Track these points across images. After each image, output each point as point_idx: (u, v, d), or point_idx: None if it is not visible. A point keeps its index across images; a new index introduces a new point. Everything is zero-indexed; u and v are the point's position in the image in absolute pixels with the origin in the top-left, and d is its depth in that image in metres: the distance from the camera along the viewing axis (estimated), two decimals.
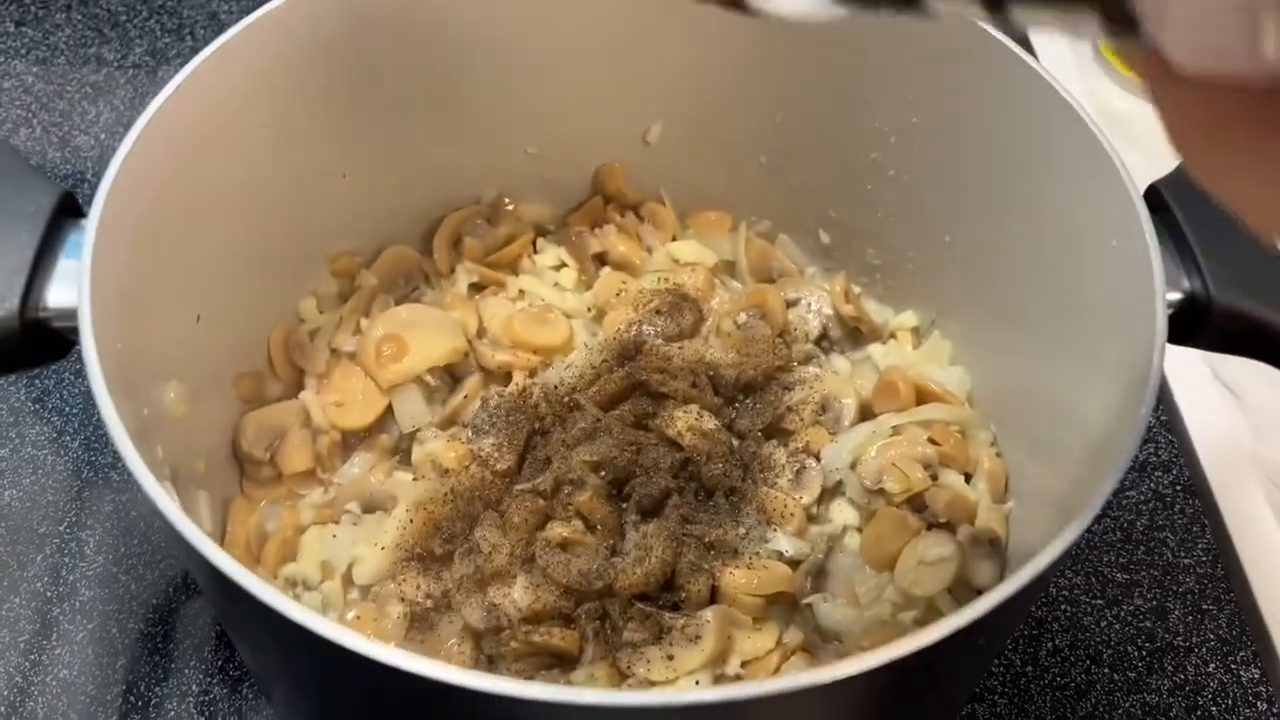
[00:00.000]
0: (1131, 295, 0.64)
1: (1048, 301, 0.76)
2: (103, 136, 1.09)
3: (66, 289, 0.61)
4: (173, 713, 0.76)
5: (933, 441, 0.81)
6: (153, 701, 0.76)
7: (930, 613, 0.76)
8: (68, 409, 0.91)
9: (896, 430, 0.82)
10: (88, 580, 0.81)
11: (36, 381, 0.91)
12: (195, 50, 0.69)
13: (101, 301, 0.58)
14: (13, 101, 1.13)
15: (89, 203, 0.61)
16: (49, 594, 0.81)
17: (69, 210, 0.64)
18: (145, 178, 0.65)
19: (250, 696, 0.77)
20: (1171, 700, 0.79)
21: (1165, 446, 0.92)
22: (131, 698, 0.76)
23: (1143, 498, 0.89)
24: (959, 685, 0.74)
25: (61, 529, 0.84)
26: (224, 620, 0.72)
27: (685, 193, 0.96)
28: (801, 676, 0.47)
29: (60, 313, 0.61)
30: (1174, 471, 0.90)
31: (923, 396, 0.84)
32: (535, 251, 0.96)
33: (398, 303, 0.89)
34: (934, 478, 0.79)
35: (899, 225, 0.88)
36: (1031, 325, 0.79)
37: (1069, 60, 1.26)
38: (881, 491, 0.79)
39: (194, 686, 0.77)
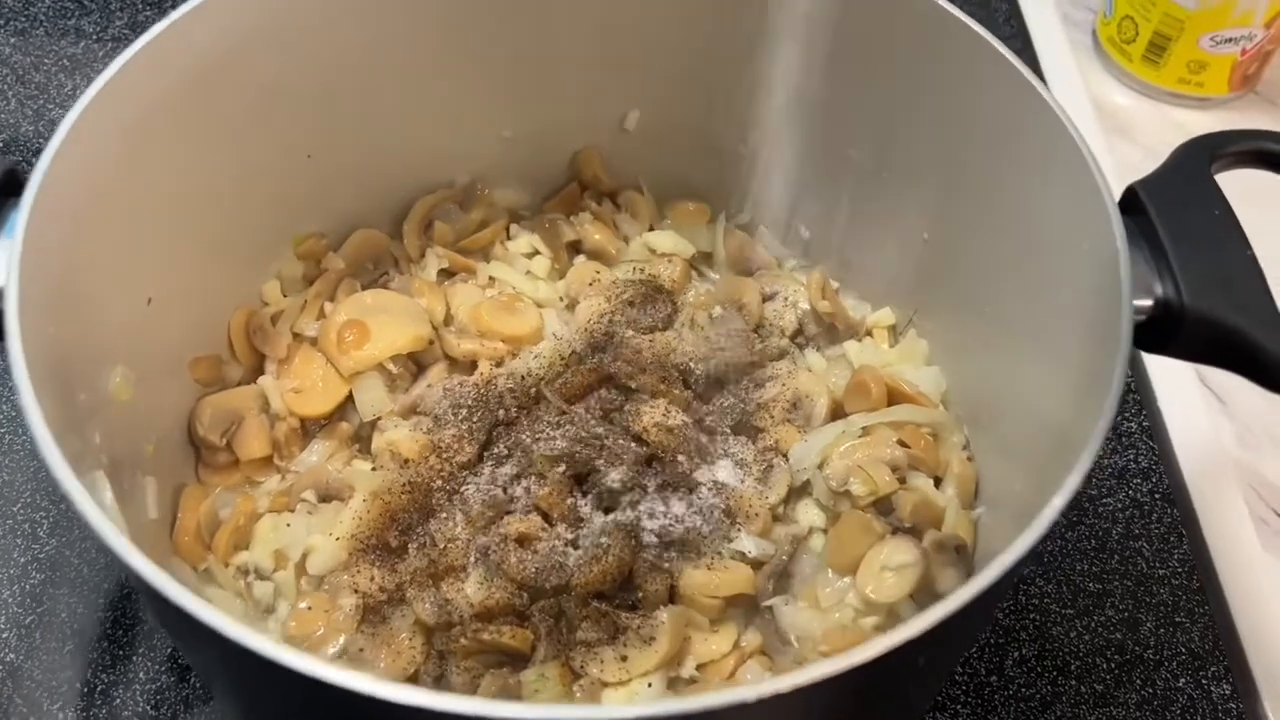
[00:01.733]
0: (1100, 300, 0.62)
1: (1020, 303, 0.74)
2: None
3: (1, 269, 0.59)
4: (119, 700, 0.75)
5: (903, 444, 0.79)
6: (99, 688, 0.75)
7: (892, 619, 0.74)
8: None
9: (866, 431, 0.80)
10: (39, 563, 0.80)
11: None
12: None
13: (34, 283, 0.57)
14: None
15: None
16: (0, 575, 0.80)
17: (12, 188, 0.62)
18: (90, 154, 0.63)
19: (199, 686, 0.75)
20: (1139, 714, 0.77)
21: (1145, 453, 0.90)
22: (78, 684, 0.75)
23: (1120, 505, 0.87)
24: (919, 693, 0.72)
25: (16, 510, 0.83)
26: (155, 618, 0.71)
27: (663, 181, 0.94)
28: (758, 687, 0.46)
29: None
30: (1153, 479, 0.88)
31: (895, 397, 0.82)
32: (508, 238, 0.94)
33: (365, 288, 0.88)
34: (902, 481, 0.78)
35: (877, 222, 0.86)
36: (1005, 326, 0.77)
37: (1067, 53, 1.23)
38: (848, 493, 0.77)
39: (142, 675, 0.76)
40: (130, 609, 0.79)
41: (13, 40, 1.14)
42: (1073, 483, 0.53)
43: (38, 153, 0.60)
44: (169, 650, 0.77)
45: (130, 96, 0.65)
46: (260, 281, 0.85)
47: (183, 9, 0.68)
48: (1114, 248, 0.61)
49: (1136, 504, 0.87)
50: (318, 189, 0.85)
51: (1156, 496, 0.87)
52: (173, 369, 0.78)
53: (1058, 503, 0.52)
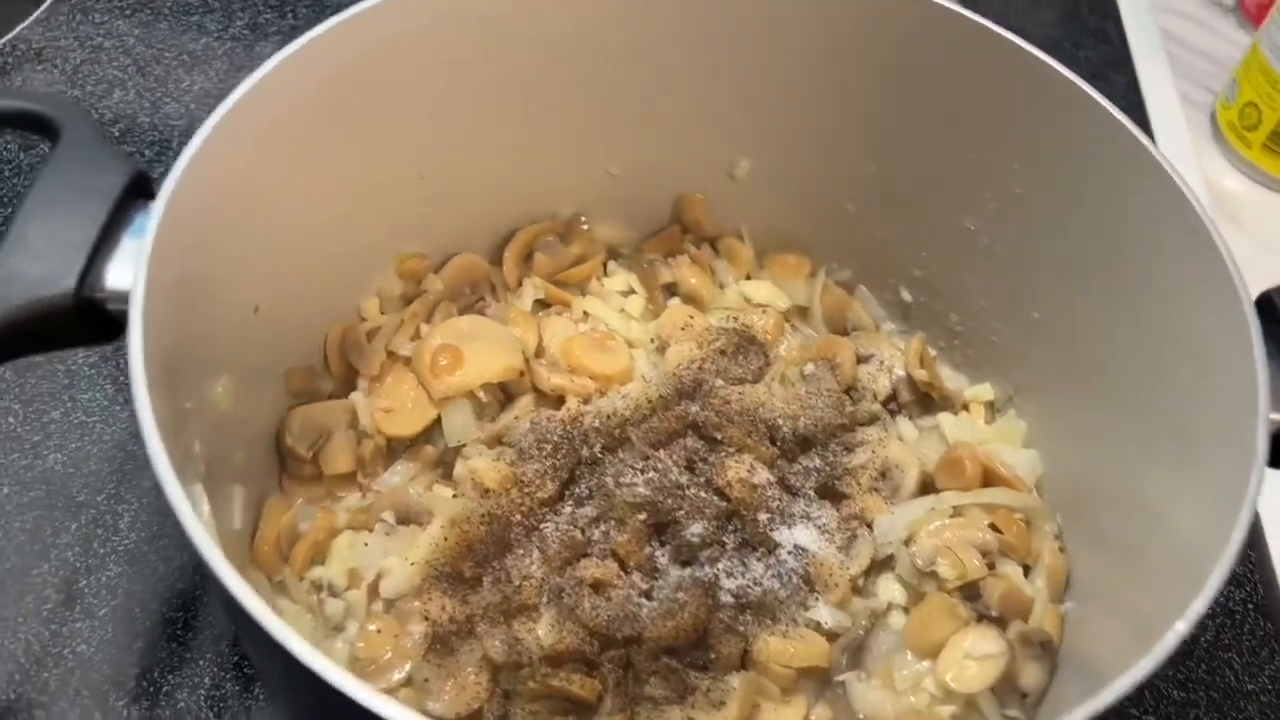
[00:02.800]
0: (1232, 408, 0.60)
1: (1137, 396, 0.72)
2: (193, 106, 1.09)
3: (126, 271, 0.59)
4: (182, 703, 0.75)
5: (994, 528, 0.77)
6: (164, 689, 0.75)
7: (969, 710, 0.72)
8: (122, 378, 0.90)
9: (957, 510, 0.78)
10: (117, 556, 0.81)
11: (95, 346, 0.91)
12: (295, 28, 0.68)
13: (158, 287, 0.57)
14: (111, 61, 1.13)
15: (164, 176, 0.60)
16: (78, 564, 0.80)
17: (139, 190, 0.62)
18: (219, 164, 0.64)
19: (262, 698, 0.75)
20: None
21: (1241, 559, 0.86)
22: (144, 682, 0.76)
23: (1210, 611, 0.83)
24: None
25: (99, 500, 0.84)
26: (234, 624, 0.71)
27: (765, 232, 0.93)
28: None
29: (117, 295, 0.59)
30: (1247, 587, 0.85)
31: (989, 478, 0.79)
32: (605, 274, 0.93)
33: (461, 312, 0.88)
34: (991, 566, 0.76)
35: (985, 294, 0.84)
36: (1116, 418, 0.74)
37: (1183, 134, 1.21)
38: (934, 574, 0.75)
39: (206, 679, 0.76)
40: (200, 611, 0.79)
41: (136, 31, 1.17)
42: (1199, 607, 0.51)
43: (151, 144, 0.60)
44: (236, 659, 0.77)
45: (264, 108, 0.66)
46: (360, 297, 0.85)
47: (331, 21, 0.69)
48: (1249, 356, 0.59)
49: (1228, 612, 0.84)
50: (425, 210, 0.85)
51: (1250, 607, 0.84)
52: (268, 378, 0.78)
53: (1181, 628, 0.50)
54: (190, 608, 0.79)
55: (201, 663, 0.77)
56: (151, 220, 0.58)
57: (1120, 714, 0.78)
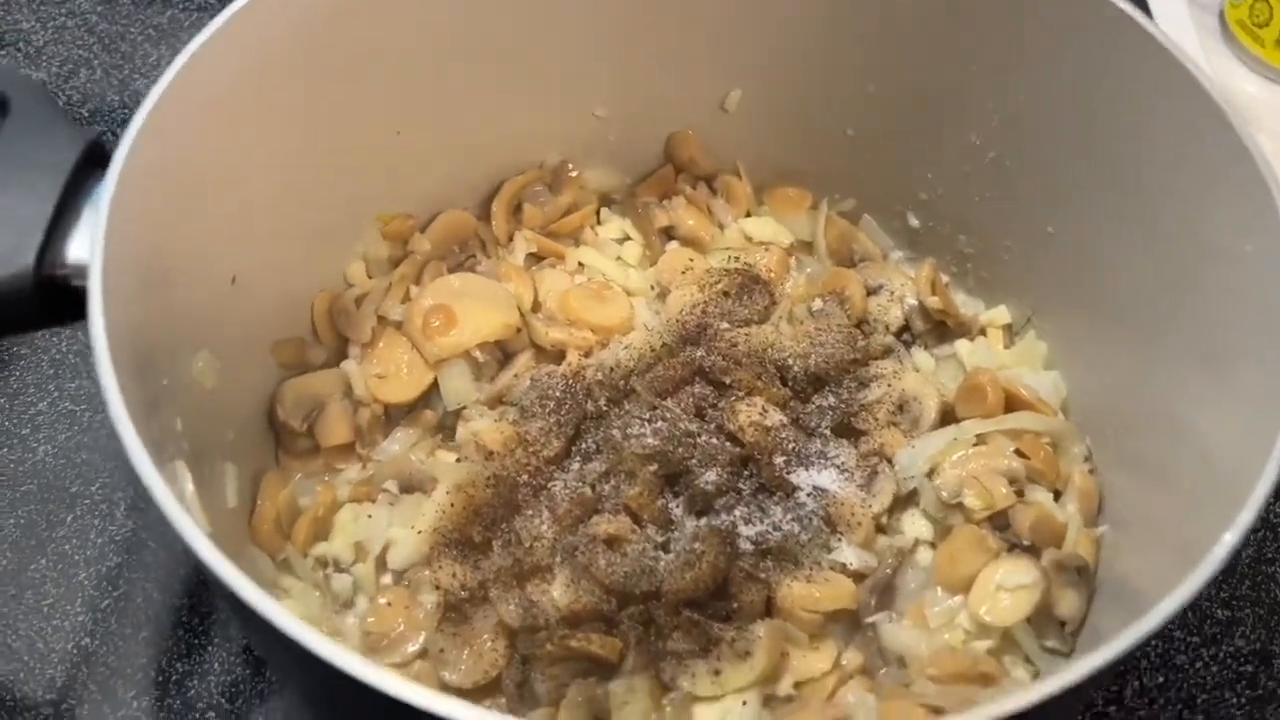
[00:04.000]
0: (1267, 311, 0.56)
1: (1164, 308, 0.69)
2: None
3: (88, 244, 0.56)
4: (193, 690, 0.73)
5: (1020, 454, 0.74)
6: (173, 678, 0.73)
7: (1006, 643, 0.69)
8: None
9: (981, 439, 0.75)
10: (116, 545, 0.78)
11: (79, 334, 0.88)
12: None
13: (119, 259, 0.54)
14: (75, 41, 1.10)
15: None
16: (76, 557, 0.78)
17: (96, 160, 0.59)
18: (178, 126, 0.60)
19: (273, 680, 0.73)
20: None
21: None
22: (153, 672, 0.74)
23: (1252, 525, 0.80)
24: None
25: (93, 490, 0.81)
26: (227, 606, 0.69)
27: (763, 165, 0.89)
28: None
29: (80, 269, 0.56)
30: None
31: (1012, 403, 0.76)
32: (598, 222, 0.90)
33: (451, 270, 0.84)
34: (1019, 494, 0.73)
35: (997, 212, 0.80)
36: (1142, 332, 0.71)
37: (1191, 36, 1.15)
38: (960, 506, 0.72)
39: (216, 666, 0.74)
40: (206, 596, 0.77)
41: (99, 8, 1.13)
42: (1246, 518, 0.48)
43: (123, 123, 0.57)
44: (244, 641, 0.75)
45: (219, 67, 0.63)
46: (345, 262, 0.82)
47: None
48: None
49: (1269, 525, 0.80)
50: (405, 167, 0.81)
51: None
52: (255, 351, 0.75)
53: (1230, 539, 0.47)
54: (195, 594, 0.77)
55: (210, 649, 0.75)
56: (104, 190, 0.55)
57: (1164, 637, 0.75)
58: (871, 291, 0.85)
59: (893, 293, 0.85)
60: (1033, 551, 0.70)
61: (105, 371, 0.49)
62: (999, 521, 0.72)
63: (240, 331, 0.72)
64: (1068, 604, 0.69)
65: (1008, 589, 0.68)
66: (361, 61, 0.73)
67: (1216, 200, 0.62)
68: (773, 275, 0.86)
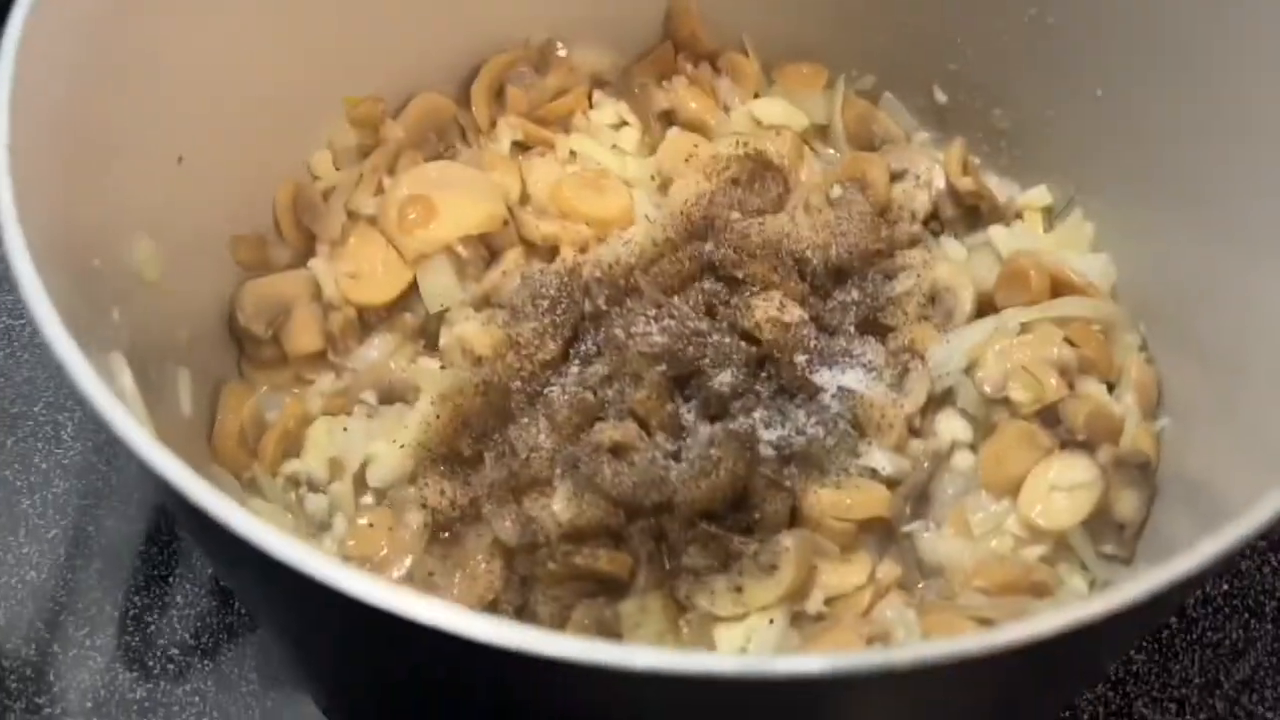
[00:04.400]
0: None
1: (1230, 178, 0.62)
2: None
3: None
4: (155, 626, 0.66)
5: (1070, 343, 0.67)
6: (130, 613, 0.66)
7: (1060, 550, 0.62)
8: None
9: (1025, 328, 0.68)
10: (63, 470, 0.71)
11: None
12: None
13: (32, 128, 0.47)
14: None
15: None
16: (19, 484, 0.71)
17: None
18: None
19: (244, 613, 0.66)
20: None
21: None
22: (108, 606, 0.66)
23: None
24: (1110, 656, 0.60)
25: (36, 410, 0.74)
26: (187, 531, 0.61)
27: (772, 40, 0.81)
28: (931, 646, 0.34)
29: None
30: None
31: (1059, 288, 0.69)
32: (590, 106, 0.82)
33: (428, 161, 0.76)
34: (1070, 386, 0.66)
35: (1036, 79, 0.73)
36: (1203, 205, 0.64)
37: None
38: (1005, 401, 0.66)
39: (179, 598, 0.67)
40: (166, 524, 0.70)
41: None
42: None
43: None
44: (210, 572, 0.67)
45: None
46: (309, 151, 0.74)
47: None
48: None
49: None
50: (373, 44, 0.74)
51: None
52: (210, 247, 0.68)
53: None
54: (153, 520, 0.69)
55: (171, 580, 0.67)
56: (5, 44, 0.46)
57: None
58: (895, 176, 0.78)
59: (919, 177, 0.77)
60: (1087, 447, 0.63)
61: (12, 241, 0.41)
62: (1048, 418, 0.65)
63: (192, 223, 0.64)
64: (1127, 505, 0.62)
65: (1063, 489, 0.62)
66: None
67: None
68: (786, 162, 0.78)
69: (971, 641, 0.34)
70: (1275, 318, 0.58)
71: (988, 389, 0.65)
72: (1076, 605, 0.35)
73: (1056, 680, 0.48)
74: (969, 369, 0.67)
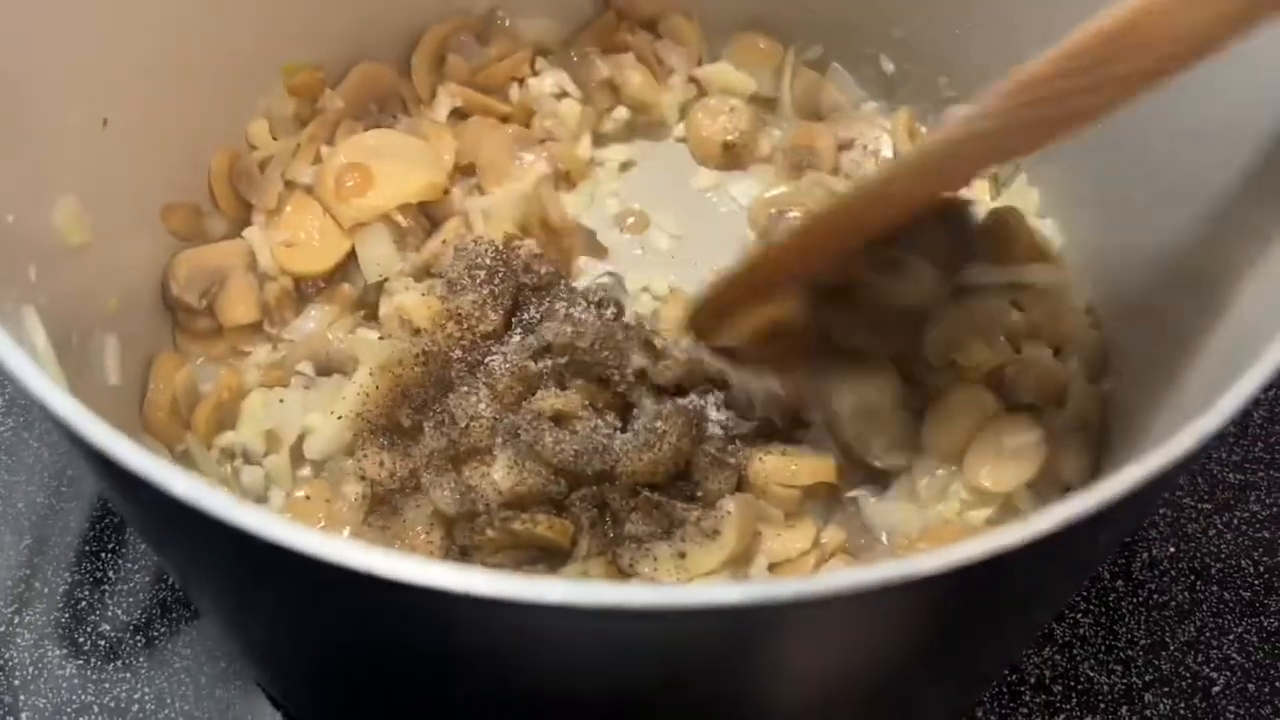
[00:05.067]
0: None
1: (1176, 140, 0.61)
2: None
3: None
4: (86, 603, 0.64)
5: (1016, 306, 0.66)
6: (60, 589, 0.64)
7: (1007, 511, 0.62)
8: None
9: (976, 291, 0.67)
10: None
11: None
12: None
13: None
14: None
15: None
16: None
17: None
18: None
19: (179, 589, 0.64)
20: None
21: None
22: (37, 584, 0.64)
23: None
24: (1041, 604, 0.60)
25: None
26: (111, 498, 0.59)
27: (718, 10, 0.80)
28: (851, 574, 0.33)
29: None
30: None
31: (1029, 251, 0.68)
32: (533, 73, 0.80)
33: (367, 130, 0.74)
34: (1017, 350, 0.65)
35: (982, 43, 0.72)
36: (1150, 171, 0.64)
37: None
38: (952, 365, 0.64)
39: (111, 573, 0.65)
40: (99, 499, 0.67)
41: None
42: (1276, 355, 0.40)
43: None
44: (143, 547, 0.65)
45: None
46: (246, 120, 0.72)
47: None
48: None
49: None
50: (311, 11, 0.72)
51: None
52: (142, 215, 0.66)
53: (1261, 373, 0.39)
54: (85, 495, 0.67)
55: (104, 556, 0.65)
56: None
57: (1173, 505, 0.69)
58: (843, 146, 0.78)
59: (866, 146, 0.77)
60: (1033, 410, 0.63)
61: None
62: (995, 380, 0.64)
63: (122, 189, 0.63)
64: (1072, 467, 0.62)
65: (1009, 452, 0.61)
66: None
67: None
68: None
69: (885, 570, 0.33)
70: (1210, 281, 0.57)
71: (933, 356, 0.65)
72: (988, 536, 0.34)
73: (987, 622, 0.47)
74: None
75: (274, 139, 0.73)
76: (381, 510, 0.62)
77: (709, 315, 0.64)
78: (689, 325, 0.65)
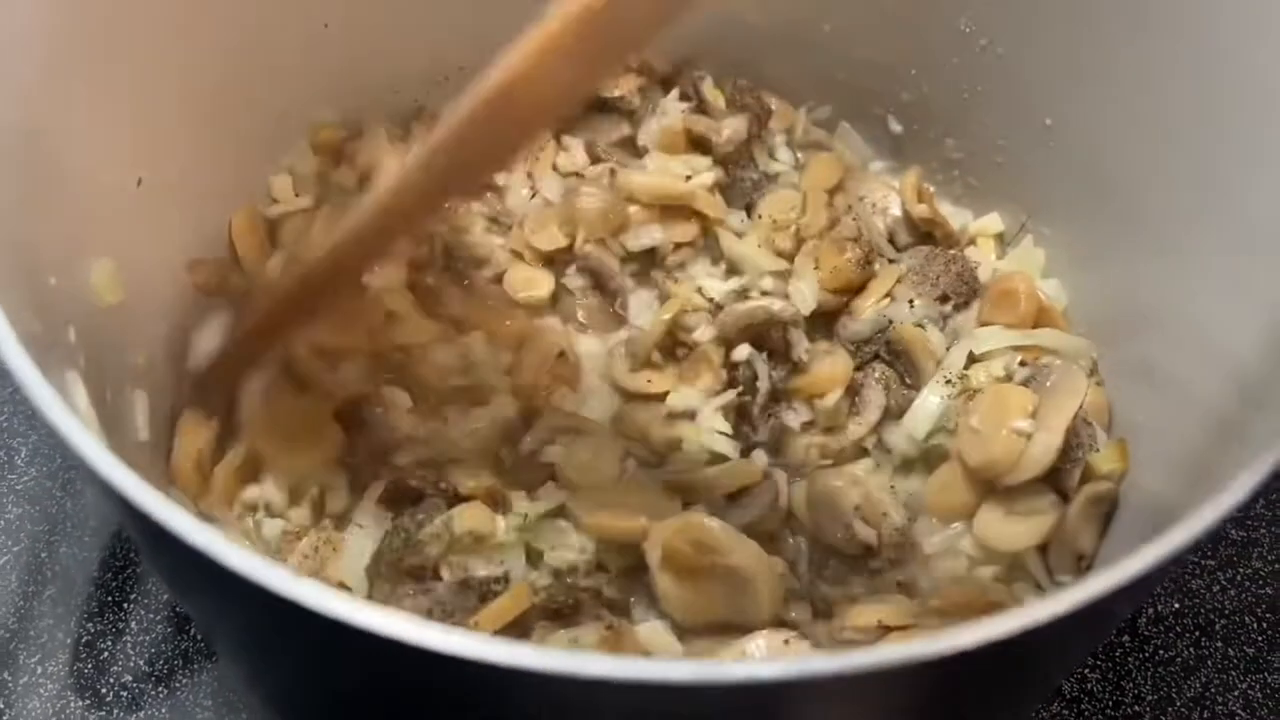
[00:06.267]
0: None
1: (1181, 205, 0.63)
2: None
3: None
4: (108, 653, 0.65)
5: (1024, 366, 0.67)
6: (84, 639, 0.65)
7: (1015, 570, 0.63)
8: None
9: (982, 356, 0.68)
10: (16, 496, 0.70)
11: None
12: None
13: None
14: None
15: None
16: None
17: None
18: None
19: (200, 639, 0.65)
20: None
21: None
22: (60, 634, 0.65)
23: None
24: (1059, 669, 0.61)
25: None
26: (143, 551, 0.60)
27: (730, 68, 0.81)
28: (898, 649, 0.34)
29: None
30: None
31: (1040, 316, 0.70)
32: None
33: None
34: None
35: (988, 108, 0.74)
36: (1151, 231, 0.66)
37: None
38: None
39: (133, 624, 0.66)
40: (121, 550, 0.68)
41: None
42: None
43: None
44: (165, 597, 0.66)
45: None
46: (269, 174, 0.74)
47: None
48: None
49: None
50: (338, 66, 0.73)
51: None
52: (169, 270, 0.67)
53: (1271, 458, 0.41)
54: (108, 547, 0.68)
55: (126, 605, 0.66)
56: None
57: (1178, 561, 0.69)
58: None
59: (874, 205, 0.78)
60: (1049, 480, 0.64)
61: None
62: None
63: (152, 246, 0.64)
64: (1088, 538, 0.62)
65: (1020, 512, 0.62)
66: None
67: (1235, 78, 0.57)
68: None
69: (925, 646, 0.34)
70: (1216, 339, 0.59)
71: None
72: (997, 620, 0.35)
73: (1008, 689, 0.48)
74: None
75: (295, 195, 0.74)
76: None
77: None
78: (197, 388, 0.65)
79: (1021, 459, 0.61)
